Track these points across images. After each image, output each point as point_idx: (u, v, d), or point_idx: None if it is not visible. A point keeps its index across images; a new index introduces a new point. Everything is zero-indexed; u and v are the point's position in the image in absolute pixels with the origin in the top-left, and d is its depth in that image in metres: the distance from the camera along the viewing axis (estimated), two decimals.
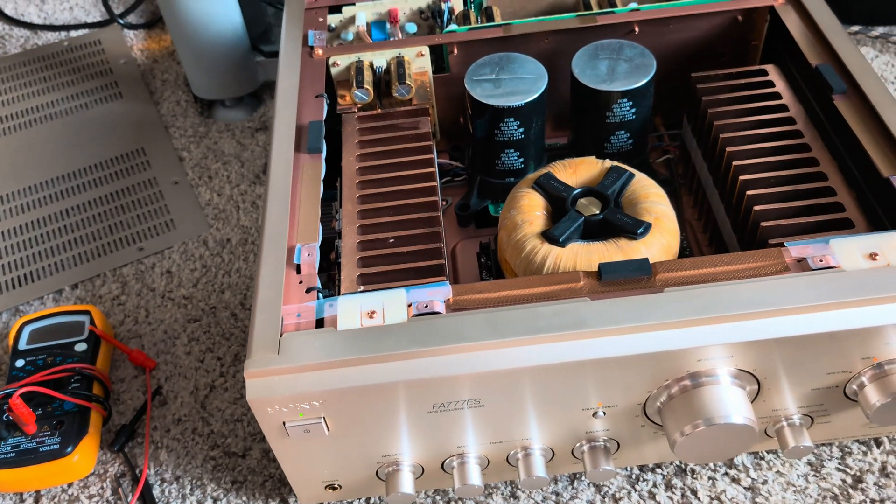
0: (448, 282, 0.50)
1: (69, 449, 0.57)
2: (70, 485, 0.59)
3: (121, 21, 1.02)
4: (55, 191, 0.81)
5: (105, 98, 0.92)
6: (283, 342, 0.46)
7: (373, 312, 0.47)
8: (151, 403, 0.63)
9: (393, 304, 0.48)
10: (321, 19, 0.70)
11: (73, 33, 1.03)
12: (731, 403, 0.47)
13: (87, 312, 0.66)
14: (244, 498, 0.58)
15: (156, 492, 0.58)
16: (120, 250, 0.75)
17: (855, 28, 0.87)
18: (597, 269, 0.49)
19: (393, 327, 0.47)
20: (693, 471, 0.56)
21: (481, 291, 0.49)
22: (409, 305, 0.48)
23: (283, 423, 0.47)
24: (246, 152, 0.84)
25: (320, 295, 0.50)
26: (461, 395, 0.47)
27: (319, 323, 0.48)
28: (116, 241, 0.76)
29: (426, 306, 0.48)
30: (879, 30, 0.88)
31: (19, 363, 0.63)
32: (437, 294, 0.48)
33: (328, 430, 0.48)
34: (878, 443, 0.57)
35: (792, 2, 0.66)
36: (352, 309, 0.48)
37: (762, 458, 0.57)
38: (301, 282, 0.50)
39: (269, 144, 0.59)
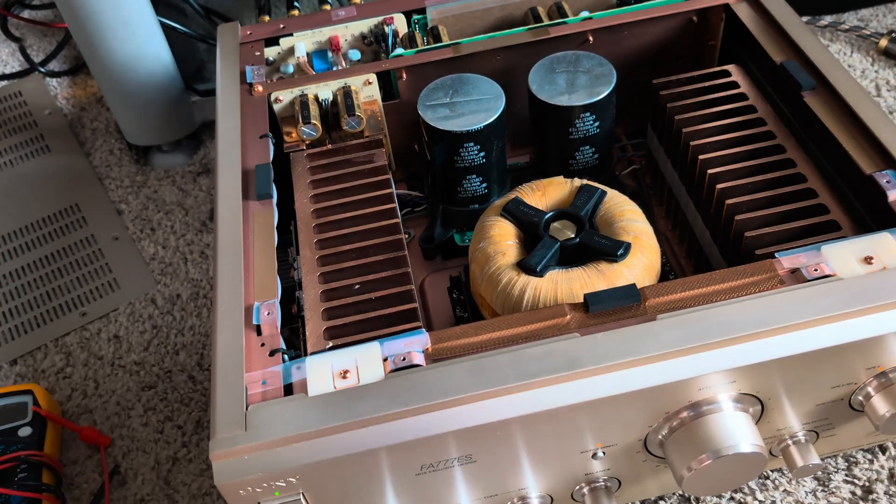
0: (424, 329, 0.46)
1: None
2: None
3: (42, 69, 0.96)
4: None
5: (31, 153, 0.86)
6: (249, 416, 0.42)
7: (346, 372, 0.43)
8: (109, 485, 0.58)
9: (367, 361, 0.44)
10: (258, 53, 0.66)
11: None
12: (737, 431, 0.44)
13: (29, 392, 0.60)
14: None
15: None
16: (61, 318, 0.70)
17: (804, 19, 0.86)
18: (581, 300, 0.46)
19: (370, 387, 0.42)
20: (698, 500, 0.53)
21: (462, 336, 0.45)
22: (385, 360, 0.44)
23: None
24: (189, 199, 0.79)
25: (286, 357, 0.45)
26: (450, 453, 0.43)
27: (288, 389, 0.44)
28: (56, 308, 0.70)
29: (404, 359, 0.44)
30: (828, 19, 0.87)
31: None
32: (415, 344, 0.45)
33: None
34: (884, 449, 0.54)
35: None
36: (322, 370, 0.44)
37: (768, 478, 0.54)
38: (263, 344, 0.46)
39: (214, 193, 0.54)
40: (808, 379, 0.45)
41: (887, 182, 0.49)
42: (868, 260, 0.45)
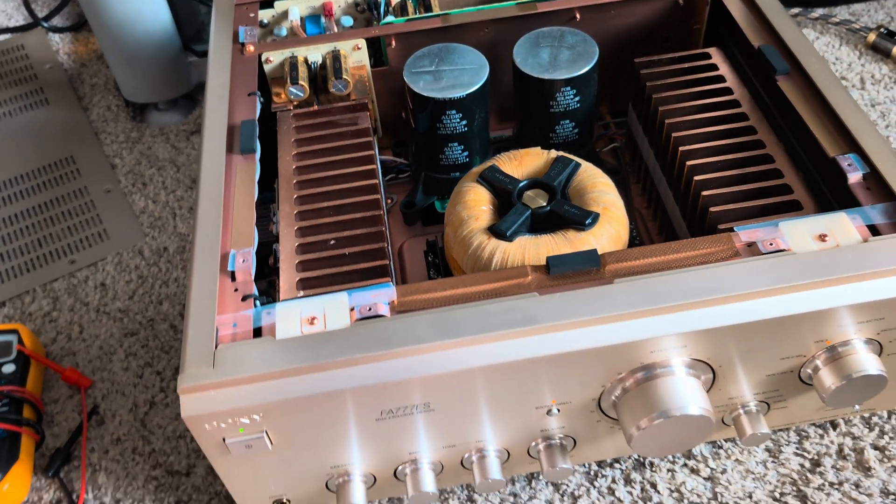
0: (392, 283, 0.48)
1: None
2: None
3: (45, 24, 0.98)
4: None
5: (31, 105, 0.88)
6: (218, 354, 0.44)
7: (313, 319, 0.45)
8: (87, 424, 0.60)
9: (334, 309, 0.46)
10: (252, 15, 0.67)
11: None
12: (686, 394, 0.45)
13: (14, 332, 0.62)
14: None
15: None
16: (50, 264, 0.72)
17: (795, 10, 0.87)
18: (545, 263, 0.48)
19: (335, 333, 0.44)
20: (652, 464, 0.55)
21: (427, 291, 0.47)
22: (352, 309, 0.46)
23: (223, 440, 0.44)
24: (181, 157, 0.81)
25: (257, 303, 0.47)
26: (410, 399, 0.45)
27: (257, 332, 0.45)
28: (46, 255, 0.72)
29: (370, 309, 0.46)
30: (819, 11, 0.88)
31: None
32: (381, 296, 0.46)
33: (271, 444, 0.45)
34: (835, 425, 0.56)
35: None
36: (291, 316, 0.45)
37: (720, 448, 0.56)
38: (237, 289, 0.48)
39: (200, 146, 0.56)
40: (759, 349, 0.46)
41: (849, 165, 0.50)
42: (822, 237, 0.47)
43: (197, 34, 0.87)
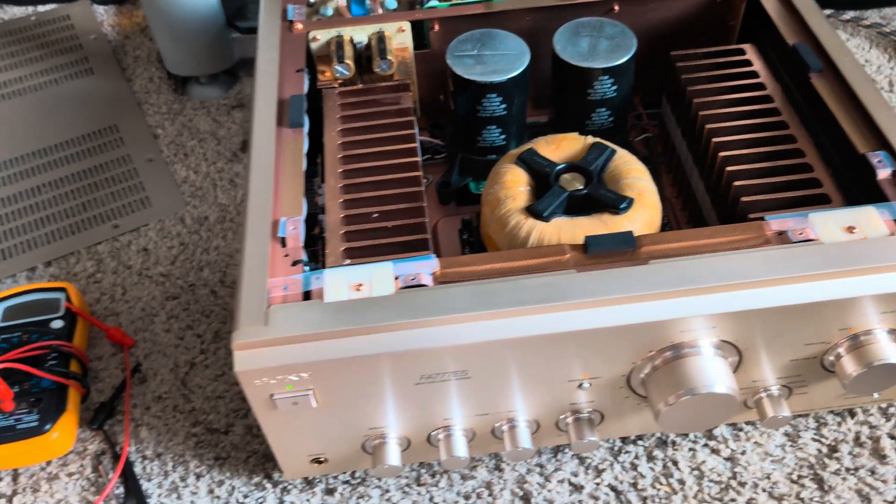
0: (434, 255, 0.50)
1: (48, 426, 0.57)
2: (48, 463, 0.59)
3: None
4: (25, 167, 0.80)
5: (76, 74, 0.90)
6: (270, 314, 0.46)
7: (360, 285, 0.47)
8: (131, 380, 0.63)
9: (380, 277, 0.48)
10: None
11: (41, 8, 1.01)
12: (713, 373, 0.47)
13: (62, 289, 0.65)
14: (227, 474, 0.57)
15: (137, 469, 0.58)
16: (94, 227, 0.74)
17: (827, 12, 0.88)
18: (582, 243, 0.50)
19: (380, 299, 0.47)
20: (674, 442, 0.57)
21: (468, 264, 0.49)
22: (396, 278, 0.48)
23: (271, 396, 0.47)
24: (222, 130, 0.83)
25: (306, 268, 0.49)
26: (448, 366, 0.47)
27: (306, 296, 0.48)
28: (90, 219, 0.75)
29: (413, 279, 0.48)
30: (850, 14, 0.89)
31: None
32: (424, 267, 0.49)
33: (316, 402, 0.48)
34: (853, 414, 0.58)
35: None
36: (338, 281, 0.48)
37: (741, 430, 0.58)
38: (287, 255, 0.50)
39: (251, 119, 0.58)
40: (784, 333, 0.48)
41: (878, 161, 0.52)
42: (851, 229, 0.48)
43: (240, 10, 0.89)
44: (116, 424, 0.61)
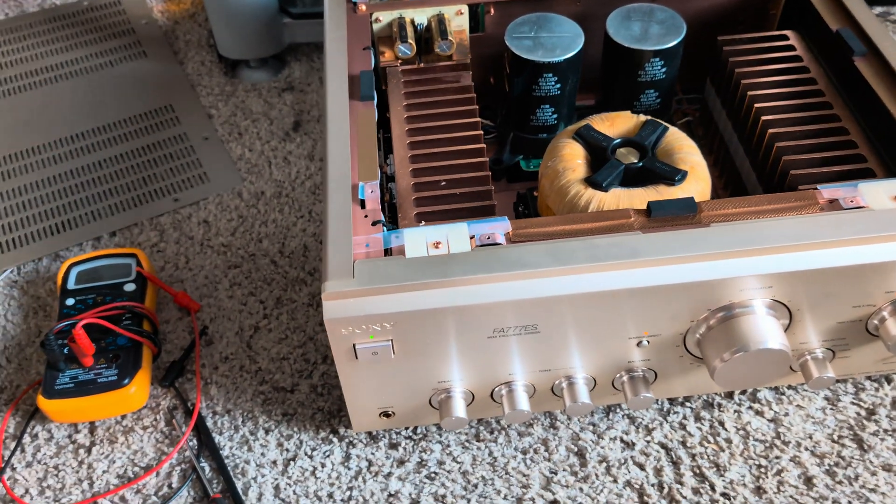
0: (506, 217, 0.53)
1: (126, 381, 0.59)
2: (123, 417, 0.62)
3: None
4: (86, 144, 0.83)
5: (129, 57, 0.93)
6: (356, 267, 0.49)
7: (438, 243, 0.50)
8: (199, 341, 0.65)
9: (456, 236, 0.51)
10: None
11: None
12: (767, 331, 0.50)
13: (133, 255, 0.68)
14: (295, 429, 0.60)
15: (208, 423, 0.61)
16: (156, 201, 0.77)
17: (876, 10, 0.92)
18: (645, 208, 0.53)
19: (458, 255, 0.50)
20: (720, 405, 0.60)
21: (539, 226, 0.52)
22: (472, 237, 0.51)
23: (354, 345, 0.50)
24: (274, 111, 0.86)
25: (385, 228, 0.53)
26: (520, 320, 0.50)
27: (387, 253, 0.51)
28: (152, 192, 0.78)
29: (488, 238, 0.51)
30: (878, 9, 0.92)
31: (69, 301, 0.65)
32: (498, 227, 0.52)
33: (394, 353, 0.51)
34: (889, 380, 0.61)
35: None
36: (418, 239, 0.51)
37: (783, 394, 0.61)
38: (366, 216, 0.53)
39: (323, 93, 0.61)
40: (833, 294, 0.51)
41: None
42: None
43: None
44: (186, 382, 0.63)
